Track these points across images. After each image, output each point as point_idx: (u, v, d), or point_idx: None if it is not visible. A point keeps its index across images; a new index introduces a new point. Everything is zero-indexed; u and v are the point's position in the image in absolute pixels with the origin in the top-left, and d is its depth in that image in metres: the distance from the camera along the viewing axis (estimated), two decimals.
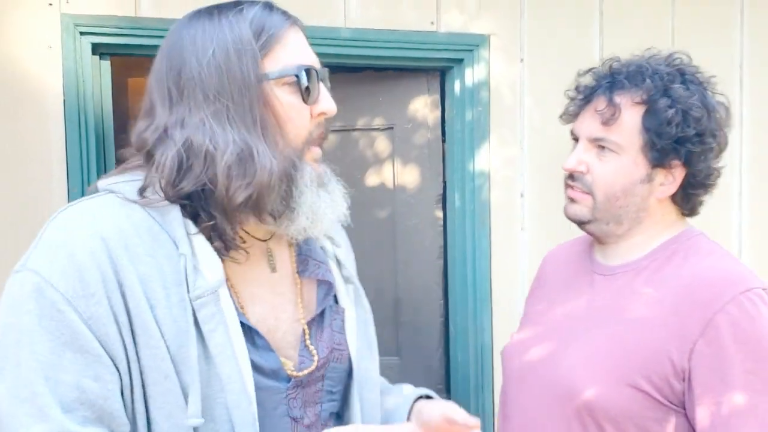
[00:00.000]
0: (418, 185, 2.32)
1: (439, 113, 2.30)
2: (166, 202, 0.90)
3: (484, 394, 2.23)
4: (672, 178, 1.22)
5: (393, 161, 2.30)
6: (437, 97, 2.30)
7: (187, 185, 0.89)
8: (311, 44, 2.11)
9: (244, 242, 0.93)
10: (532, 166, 2.22)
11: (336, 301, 1.06)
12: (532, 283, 1.47)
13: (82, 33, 1.81)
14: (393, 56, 2.12)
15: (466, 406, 2.17)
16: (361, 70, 2.24)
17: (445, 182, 2.30)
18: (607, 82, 1.23)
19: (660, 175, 1.22)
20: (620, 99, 1.21)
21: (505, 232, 2.21)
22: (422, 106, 2.30)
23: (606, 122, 1.21)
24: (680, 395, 1.11)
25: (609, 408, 1.13)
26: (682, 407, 1.12)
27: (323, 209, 0.95)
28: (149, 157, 0.91)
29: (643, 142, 1.19)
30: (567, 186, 1.29)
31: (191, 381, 0.85)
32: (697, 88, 1.21)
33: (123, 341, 0.85)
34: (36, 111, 1.81)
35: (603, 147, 1.22)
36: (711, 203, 2.39)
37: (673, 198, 1.25)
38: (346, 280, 1.08)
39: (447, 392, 2.35)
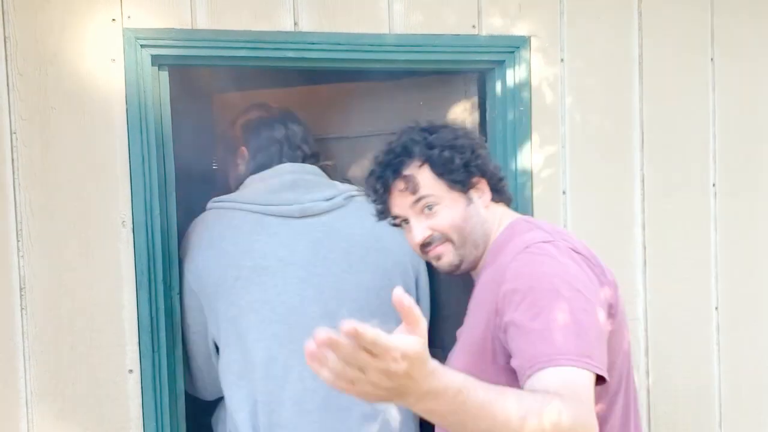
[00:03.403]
0: None
1: (475, 116, 2.37)
2: None
3: None
4: (482, 189, 1.55)
5: None
6: (474, 100, 2.37)
7: None
8: (357, 51, 2.22)
9: None
10: (573, 164, 2.26)
11: None
12: None
13: (142, 46, 1.93)
14: (436, 60, 2.18)
15: None
16: (401, 78, 2.32)
17: None
18: (390, 171, 1.52)
19: (474, 193, 1.53)
20: (408, 172, 1.50)
21: None
22: (460, 110, 2.37)
23: (414, 191, 1.49)
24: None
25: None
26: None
27: None
28: None
29: (446, 185, 1.50)
30: (425, 253, 1.54)
31: None
32: (443, 128, 1.56)
33: None
34: (101, 119, 1.92)
35: (427, 205, 1.50)
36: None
37: (495, 200, 1.58)
38: None
39: None
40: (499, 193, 1.59)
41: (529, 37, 2.22)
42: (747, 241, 2.44)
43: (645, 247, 2.34)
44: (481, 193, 1.54)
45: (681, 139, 2.36)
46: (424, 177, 1.50)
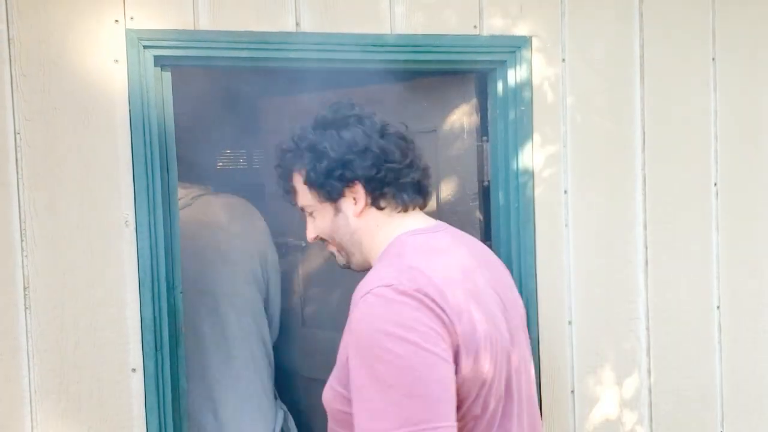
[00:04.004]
0: (458, 184, 2.41)
1: (474, 117, 2.38)
2: None
3: None
4: (357, 196, 1.46)
5: (437, 163, 2.39)
6: (473, 102, 2.38)
7: None
8: (359, 51, 2.21)
9: None
10: (575, 164, 2.27)
11: None
12: None
13: (145, 47, 1.93)
14: (438, 60, 2.19)
15: None
16: (401, 80, 2.34)
17: (487, 181, 2.37)
18: (282, 178, 1.57)
19: (345, 201, 1.48)
20: (292, 181, 1.54)
21: (550, 228, 2.27)
22: (459, 111, 2.39)
23: (295, 201, 1.56)
24: None
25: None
26: None
27: None
28: None
29: (315, 193, 1.49)
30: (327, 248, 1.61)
31: None
32: (325, 129, 1.47)
33: None
34: (104, 119, 1.93)
35: (308, 213, 1.55)
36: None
37: (377, 206, 1.47)
38: None
39: None
40: (383, 199, 1.47)
41: (531, 37, 2.22)
42: (748, 240, 2.44)
43: (646, 247, 2.34)
44: (355, 201, 1.47)
45: (682, 139, 2.37)
46: (301, 186, 1.52)
